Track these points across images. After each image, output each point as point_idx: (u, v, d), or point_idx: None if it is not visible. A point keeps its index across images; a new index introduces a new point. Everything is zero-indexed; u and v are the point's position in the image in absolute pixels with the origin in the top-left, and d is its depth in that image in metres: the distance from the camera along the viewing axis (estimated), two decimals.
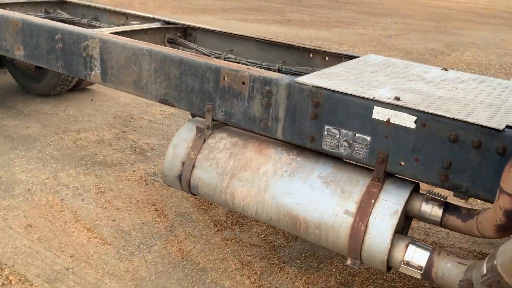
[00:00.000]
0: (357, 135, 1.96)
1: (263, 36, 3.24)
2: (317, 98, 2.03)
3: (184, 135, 2.45)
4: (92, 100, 5.18)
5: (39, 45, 3.01)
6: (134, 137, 4.27)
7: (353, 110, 1.95)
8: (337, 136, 2.01)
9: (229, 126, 2.49)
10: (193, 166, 2.35)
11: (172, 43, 3.46)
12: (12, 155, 3.71)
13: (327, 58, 2.95)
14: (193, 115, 3.39)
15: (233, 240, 2.83)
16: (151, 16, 3.67)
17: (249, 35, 3.28)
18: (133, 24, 3.34)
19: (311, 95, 2.04)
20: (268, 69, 2.98)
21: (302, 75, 2.54)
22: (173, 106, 2.56)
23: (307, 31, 11.68)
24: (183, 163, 2.38)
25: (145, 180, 3.48)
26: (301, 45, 3.06)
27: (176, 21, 3.53)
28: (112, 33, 2.90)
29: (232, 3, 16.39)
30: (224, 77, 2.30)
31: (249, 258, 2.68)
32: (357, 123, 1.95)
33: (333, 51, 2.92)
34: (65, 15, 4.08)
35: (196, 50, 3.33)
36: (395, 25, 14.21)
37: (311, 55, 3.02)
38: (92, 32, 2.77)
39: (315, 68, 2.90)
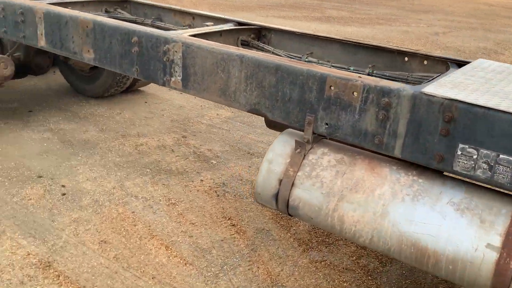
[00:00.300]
0: (501, 156, 1.69)
1: (350, 37, 2.98)
2: (451, 112, 1.76)
3: (279, 149, 2.22)
4: (146, 102, 5.02)
5: (112, 48, 2.82)
6: (195, 142, 4.07)
7: (498, 127, 1.68)
8: (475, 157, 1.74)
9: (327, 139, 2.25)
10: (293, 185, 2.12)
11: (245, 45, 3.23)
12: (74, 162, 3.56)
13: (425, 62, 2.67)
14: (268, 122, 3.16)
15: (322, 263, 2.59)
16: (221, 16, 3.45)
17: (331, 36, 3.02)
18: (207, 25, 3.13)
19: (443, 109, 1.78)
20: (357, 73, 2.72)
21: (397, 81, 2.28)
22: (264, 116, 2.33)
23: (350, 28, 11.33)
24: (280, 181, 2.15)
25: (216, 191, 3.27)
26: (395, 48, 2.79)
27: (249, 21, 3.30)
28: (190, 35, 2.69)
29: (268, 0, 16.14)
30: (330, 86, 2.05)
31: (345, 284, 2.43)
32: (503, 143, 1.68)
33: (434, 54, 2.63)
34: (126, 15, 3.90)
35: (273, 52, 3.10)
36: (438, 22, 13.69)
37: (406, 58, 2.74)
38: (173, 36, 2.56)
39: (412, 73, 2.63)
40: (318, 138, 2.23)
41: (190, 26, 3.64)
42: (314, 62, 2.92)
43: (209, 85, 2.47)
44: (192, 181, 3.40)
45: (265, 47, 3.19)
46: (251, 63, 2.27)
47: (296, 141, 2.16)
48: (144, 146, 3.93)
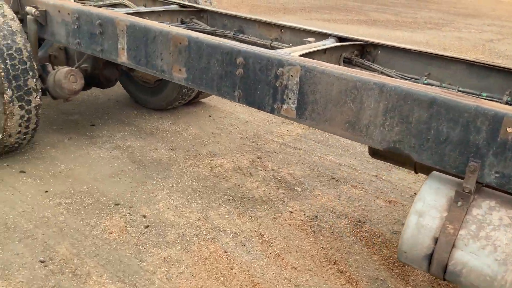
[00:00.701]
0: None
1: (480, 58, 2.60)
2: None
3: (431, 199, 1.86)
4: (210, 116, 4.72)
5: (210, 68, 2.50)
6: (272, 165, 3.74)
7: None
8: None
9: (488, 188, 1.88)
10: (453, 246, 1.76)
11: (348, 63, 2.88)
12: (150, 186, 3.27)
13: None
14: (373, 151, 2.81)
15: None
16: (314, 29, 3.10)
17: (454, 55, 2.64)
18: (308, 41, 2.78)
19: None
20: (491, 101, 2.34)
21: None
22: (408, 157, 1.97)
23: (400, 33, 10.86)
24: (436, 240, 1.79)
25: (310, 227, 2.93)
26: None
27: (351, 36, 2.95)
28: (301, 55, 2.35)
29: (309, 1, 15.76)
30: (507, 128, 1.68)
31: None
32: None
33: None
34: (204, 26, 3.59)
35: (381, 72, 2.74)
36: (488, 27, 13.08)
37: None
38: (288, 57, 2.22)
39: None
40: (478, 187, 1.86)
41: (277, 40, 3.31)
42: (437, 86, 2.55)
43: (333, 116, 2.12)
44: (281, 213, 3.06)
45: (371, 65, 2.83)
46: (395, 94, 1.92)
47: (456, 192, 1.80)
48: (220, 168, 3.62)
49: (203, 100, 5.02)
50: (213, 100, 5.11)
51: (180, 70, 2.68)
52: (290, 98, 2.24)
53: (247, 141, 4.16)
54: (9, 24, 3.14)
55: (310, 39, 2.83)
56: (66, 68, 3.45)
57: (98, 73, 3.87)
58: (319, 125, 2.19)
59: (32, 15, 3.32)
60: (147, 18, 3.40)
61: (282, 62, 2.22)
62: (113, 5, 4.20)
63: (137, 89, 4.75)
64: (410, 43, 9.64)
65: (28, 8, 3.34)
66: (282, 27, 3.30)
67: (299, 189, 3.39)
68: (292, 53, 2.39)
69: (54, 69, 3.61)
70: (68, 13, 3.19)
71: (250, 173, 3.57)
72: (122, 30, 2.89)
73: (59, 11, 3.25)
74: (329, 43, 2.82)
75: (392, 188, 3.51)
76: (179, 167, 3.59)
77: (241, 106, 4.99)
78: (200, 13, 3.74)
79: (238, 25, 3.54)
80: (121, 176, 3.38)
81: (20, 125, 3.25)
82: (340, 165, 3.83)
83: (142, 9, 3.47)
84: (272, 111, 2.33)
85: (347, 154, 4.04)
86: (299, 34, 3.21)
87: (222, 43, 2.45)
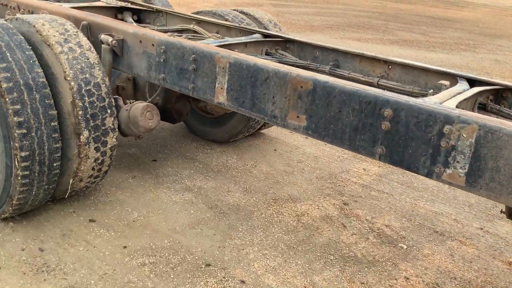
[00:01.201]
0: None
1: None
2: None
3: None
4: (275, 150, 4.34)
5: (342, 118, 2.13)
6: (363, 213, 3.35)
7: None
8: None
9: None
10: None
11: (482, 109, 2.51)
12: (237, 241, 2.88)
13: None
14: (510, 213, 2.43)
15: None
16: (435, 68, 2.73)
17: None
18: (445, 86, 2.42)
19: None
20: None
21: None
22: None
23: (435, 54, 10.54)
24: None
25: None
26: None
27: (483, 78, 2.58)
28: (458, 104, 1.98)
29: (331, 19, 15.50)
30: None
31: None
32: None
33: None
34: (292, 58, 3.23)
35: None
36: None
37: None
38: (458, 113, 1.85)
39: None
40: None
41: (384, 77, 2.94)
42: None
43: None
44: (395, 279, 2.67)
45: None
46: None
47: None
48: (307, 217, 3.23)
49: (263, 131, 4.65)
50: (274, 131, 4.74)
51: (298, 117, 2.30)
52: (458, 162, 1.86)
53: (325, 182, 3.78)
54: (87, 56, 2.78)
55: (444, 82, 2.46)
56: (143, 103, 3.08)
57: (170, 107, 3.50)
58: (500, 198, 1.81)
59: (109, 45, 2.96)
60: (236, 50, 3.06)
61: (450, 119, 1.85)
62: (180, 31, 3.86)
63: (196, 120, 4.38)
64: (450, 66, 9.30)
65: (103, 37, 2.99)
66: (390, 63, 2.93)
67: (405, 246, 2.99)
68: (443, 102, 2.03)
69: (125, 103, 3.24)
70: (153, 44, 2.83)
71: (342, 224, 3.18)
72: (223, 68, 2.53)
73: (140, 41, 2.89)
74: (465, 87, 2.45)
75: (504, 244, 3.12)
76: (262, 215, 3.20)
77: (305, 139, 4.62)
78: (286, 43, 3.38)
79: (333, 58, 3.17)
80: (202, 227, 2.99)
81: (93, 169, 2.87)
82: (437, 214, 3.44)
83: (229, 40, 3.10)
84: (429, 175, 1.95)
85: (439, 200, 3.65)
86: (411, 72, 2.85)
87: (361, 90, 2.08)
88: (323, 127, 2.22)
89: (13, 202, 2.61)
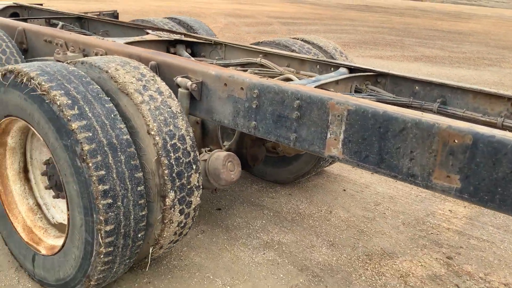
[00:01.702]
0: None
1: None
2: None
3: None
4: (344, 190, 3.93)
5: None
6: (473, 269, 2.93)
7: None
8: None
9: None
10: None
11: None
12: None
13: None
14: None
15: None
16: None
17: None
18: None
19: None
20: None
21: None
22: None
23: (464, 71, 10.21)
24: None
25: None
26: None
27: None
28: None
29: (345, 36, 15.24)
30: None
31: None
32: None
33: None
34: (386, 94, 2.84)
35: None
36: None
37: None
38: None
39: None
40: None
41: (508, 116, 2.55)
42: None
43: None
44: None
45: None
46: None
47: None
48: (413, 277, 2.81)
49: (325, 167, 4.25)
50: (334, 166, 4.34)
51: (448, 177, 1.90)
52: None
53: (415, 230, 3.36)
54: (168, 104, 2.38)
55: None
56: (223, 153, 2.68)
57: (245, 153, 3.10)
58: None
59: (187, 89, 2.57)
60: (332, 90, 2.68)
61: None
62: (243, 65, 3.48)
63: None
64: (486, 84, 8.97)
65: (180, 80, 2.60)
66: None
67: None
68: None
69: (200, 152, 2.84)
70: (242, 88, 2.44)
71: (456, 285, 2.76)
72: (338, 116, 2.13)
73: (225, 84, 2.50)
74: None
75: None
76: (362, 277, 2.78)
77: (372, 175, 4.22)
78: (377, 77, 2.99)
79: (437, 93, 2.79)
80: None
81: (175, 233, 2.46)
82: None
83: (321, 78, 2.71)
84: None
85: None
86: None
87: None
88: (487, 191, 1.81)
89: (91, 283, 2.19)
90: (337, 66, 3.08)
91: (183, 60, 2.73)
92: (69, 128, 1.99)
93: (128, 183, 2.11)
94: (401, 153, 1.99)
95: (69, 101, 2.04)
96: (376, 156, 2.06)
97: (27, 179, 2.66)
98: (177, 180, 2.32)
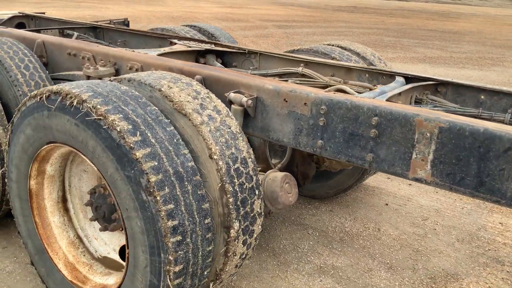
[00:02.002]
0: None
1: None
2: None
3: None
4: (387, 204, 3.73)
5: None
6: None
7: None
8: None
9: None
10: None
11: None
12: None
13: None
14: None
15: None
16: None
17: None
18: None
19: None
20: None
21: None
22: None
23: (470, 72, 10.11)
24: None
25: None
26: None
27: None
28: None
29: (343, 38, 15.09)
30: None
31: None
32: None
33: None
34: (449, 104, 2.64)
35: None
36: None
37: None
38: None
39: None
40: None
41: None
42: None
43: None
44: None
45: None
46: None
47: None
48: None
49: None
50: (372, 180, 4.14)
51: None
52: None
53: (471, 246, 3.16)
54: (228, 124, 2.15)
55: None
56: (280, 174, 2.46)
57: (296, 171, 2.88)
58: None
59: (242, 105, 2.35)
60: (400, 102, 2.47)
61: None
62: (281, 75, 3.27)
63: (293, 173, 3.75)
64: (492, 83, 8.86)
65: (233, 96, 2.36)
66: None
67: None
68: None
69: None
70: (305, 104, 2.21)
71: None
72: (427, 134, 1.92)
73: (285, 99, 2.28)
74: None
75: None
76: None
77: (409, 186, 4.03)
78: (437, 86, 2.79)
79: (506, 103, 2.59)
80: None
81: (236, 266, 2.22)
82: None
83: (386, 90, 2.50)
84: None
85: None
86: None
87: None
88: None
89: None
90: (390, 75, 2.88)
91: (234, 73, 2.50)
92: (132, 157, 1.75)
93: (196, 216, 1.87)
94: (506, 175, 1.78)
95: (130, 126, 1.80)
96: (474, 179, 1.85)
97: (65, 209, 2.41)
98: (241, 208, 2.08)
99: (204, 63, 3.53)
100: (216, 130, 2.08)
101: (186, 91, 2.15)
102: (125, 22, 5.37)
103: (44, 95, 1.98)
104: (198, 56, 3.57)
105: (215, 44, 3.62)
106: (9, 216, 2.83)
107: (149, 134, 1.83)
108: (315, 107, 2.19)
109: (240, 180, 2.09)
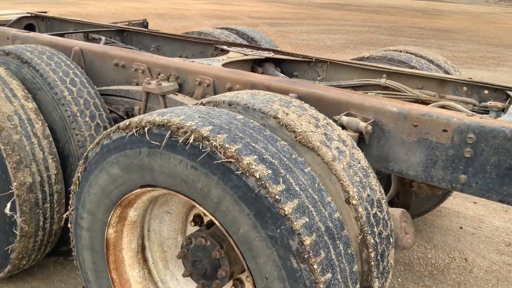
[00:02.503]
0: None
1: None
2: None
3: None
4: (461, 228, 3.38)
5: None
6: None
7: None
8: None
9: None
10: None
11: None
12: None
13: None
14: None
15: None
16: None
17: None
18: None
19: None
20: None
21: None
22: None
23: (479, 72, 9.93)
24: None
25: None
26: None
27: None
28: None
29: (338, 36, 14.86)
30: None
31: None
32: None
33: None
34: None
35: None
36: None
37: None
38: None
39: None
40: None
41: None
42: None
43: None
44: None
45: None
46: None
47: None
48: None
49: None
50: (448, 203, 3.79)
51: None
52: None
53: None
54: (357, 158, 1.73)
55: None
56: (398, 211, 2.05)
57: (397, 202, 2.50)
58: None
59: (359, 131, 1.94)
60: None
61: None
62: (357, 87, 2.88)
63: None
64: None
65: (346, 119, 1.94)
66: None
67: None
68: None
69: None
70: (445, 130, 1.83)
71: None
72: None
73: (415, 124, 1.89)
74: None
75: None
76: None
77: (474, 204, 3.70)
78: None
79: None
80: None
81: None
82: None
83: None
84: None
85: None
86: None
87: None
88: None
89: None
90: (496, 89, 2.52)
91: (340, 91, 2.09)
92: (279, 211, 1.33)
93: (350, 285, 1.46)
94: None
95: (270, 171, 1.38)
96: None
97: (144, 260, 1.96)
98: (380, 263, 1.69)
99: (262, 73, 3.12)
100: (349, 167, 1.67)
101: (304, 118, 1.74)
102: (144, 24, 4.89)
103: (142, 128, 1.53)
104: (254, 65, 3.16)
105: (274, 51, 3.20)
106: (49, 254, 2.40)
107: (291, 181, 1.41)
108: (459, 135, 1.80)
109: (379, 229, 1.69)
